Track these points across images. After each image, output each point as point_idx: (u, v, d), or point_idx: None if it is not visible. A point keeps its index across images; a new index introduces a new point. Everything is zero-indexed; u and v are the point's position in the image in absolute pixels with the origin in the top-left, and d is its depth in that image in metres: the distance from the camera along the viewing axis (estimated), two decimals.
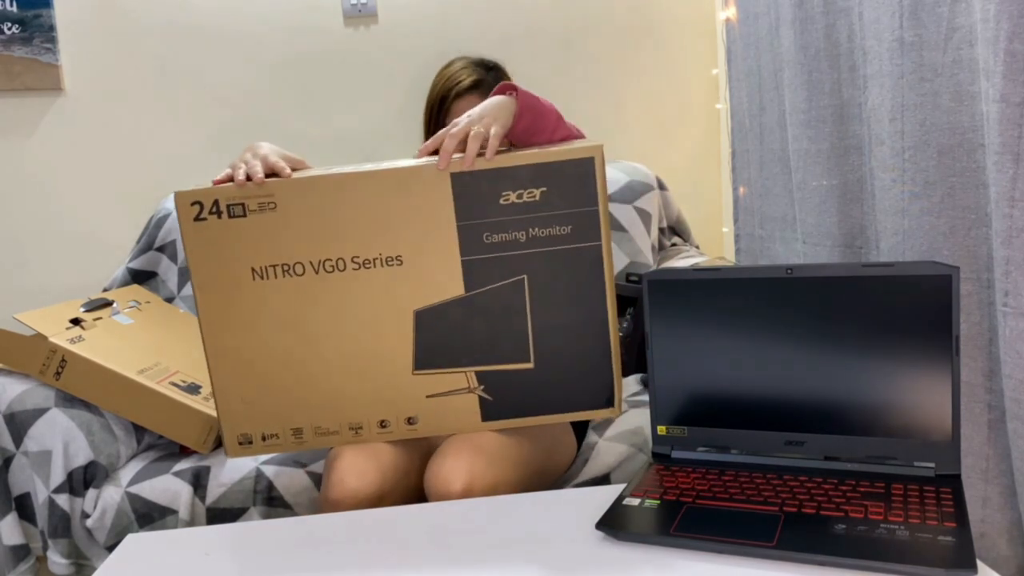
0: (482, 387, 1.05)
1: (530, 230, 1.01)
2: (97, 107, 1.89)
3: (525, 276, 1.03)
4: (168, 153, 1.92)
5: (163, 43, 1.90)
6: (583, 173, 1.00)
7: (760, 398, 0.95)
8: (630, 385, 1.51)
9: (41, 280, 1.91)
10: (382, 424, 1.07)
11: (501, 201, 1.01)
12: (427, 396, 1.05)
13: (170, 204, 1.81)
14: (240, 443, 1.08)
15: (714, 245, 2.10)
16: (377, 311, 1.03)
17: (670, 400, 1.00)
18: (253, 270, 1.02)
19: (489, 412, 1.06)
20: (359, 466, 1.07)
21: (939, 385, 0.87)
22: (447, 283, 1.03)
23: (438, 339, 1.04)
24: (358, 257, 1.02)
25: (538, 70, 1.98)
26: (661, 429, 1.01)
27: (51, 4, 1.83)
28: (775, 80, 1.50)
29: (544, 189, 1.00)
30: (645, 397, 1.41)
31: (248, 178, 1.01)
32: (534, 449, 1.15)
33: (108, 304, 1.52)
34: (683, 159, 2.08)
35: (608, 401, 1.06)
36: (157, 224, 1.79)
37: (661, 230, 1.89)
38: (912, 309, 0.88)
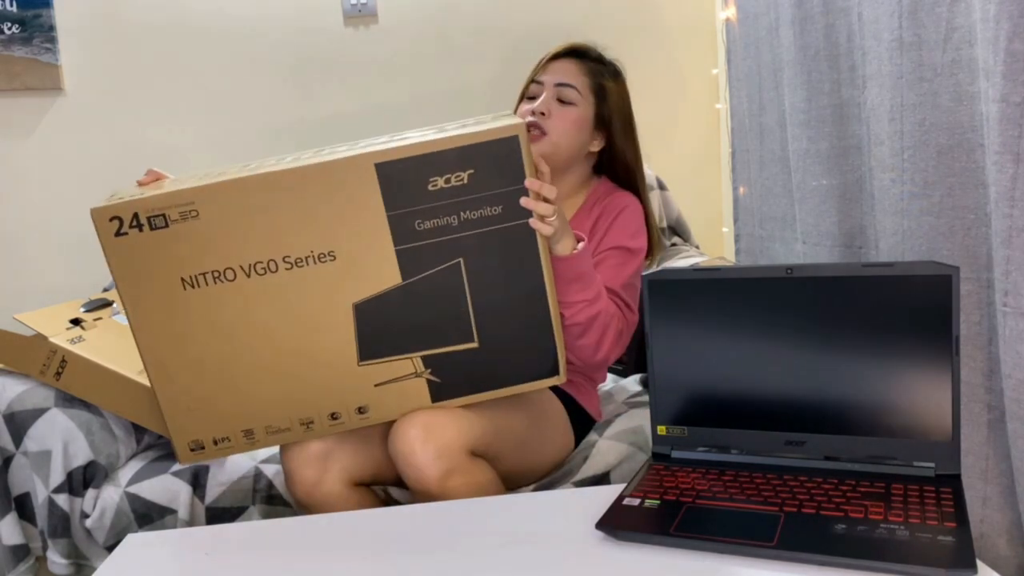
0: (429, 371, 1.05)
1: (461, 213, 1.00)
2: (97, 107, 1.89)
3: (461, 259, 1.02)
4: (168, 153, 1.92)
5: (163, 43, 1.89)
6: (508, 152, 0.99)
7: (760, 398, 0.95)
8: (630, 385, 1.51)
9: (41, 280, 1.91)
10: (333, 416, 1.07)
11: (429, 187, 0.99)
12: (375, 385, 1.06)
13: None
14: (192, 449, 1.08)
15: (714, 245, 2.10)
16: (315, 309, 1.02)
17: (670, 400, 1.00)
18: (183, 280, 1.00)
19: (438, 393, 1.07)
20: (305, 453, 1.10)
21: (939, 385, 0.87)
22: (383, 274, 1.02)
23: (380, 329, 1.03)
24: (289, 257, 1.00)
25: None
26: (661, 429, 1.01)
27: (51, 4, 1.82)
28: (775, 80, 1.50)
29: (471, 171, 0.99)
30: (645, 397, 1.41)
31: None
32: (500, 405, 1.12)
33: (108, 304, 1.52)
34: (683, 159, 2.08)
35: (553, 369, 1.07)
36: None
37: (661, 230, 1.89)
38: (912, 309, 0.88)
